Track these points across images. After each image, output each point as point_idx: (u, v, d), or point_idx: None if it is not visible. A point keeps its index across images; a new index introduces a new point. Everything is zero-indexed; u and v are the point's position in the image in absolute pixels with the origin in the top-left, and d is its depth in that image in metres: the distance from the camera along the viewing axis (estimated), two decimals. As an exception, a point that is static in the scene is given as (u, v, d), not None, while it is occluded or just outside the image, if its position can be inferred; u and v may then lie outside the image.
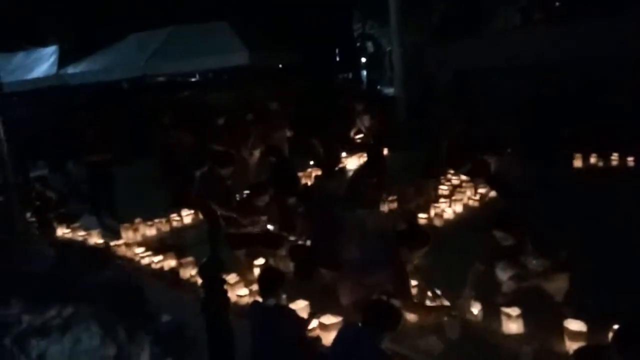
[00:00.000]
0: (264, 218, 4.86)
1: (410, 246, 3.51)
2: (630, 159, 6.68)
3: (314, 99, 10.95)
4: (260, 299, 3.23)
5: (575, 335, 2.95)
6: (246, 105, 8.56)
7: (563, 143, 7.36)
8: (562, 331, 3.05)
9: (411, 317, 3.49)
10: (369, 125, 7.59)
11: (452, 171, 6.96)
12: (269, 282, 3.07)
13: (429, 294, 3.65)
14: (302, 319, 3.23)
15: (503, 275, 3.49)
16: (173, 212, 6.34)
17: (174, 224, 6.24)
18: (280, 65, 12.91)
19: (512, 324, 3.28)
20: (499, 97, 9.58)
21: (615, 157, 6.86)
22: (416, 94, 10.72)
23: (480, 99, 10.09)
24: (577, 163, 7.01)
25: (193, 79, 14.02)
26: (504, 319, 3.33)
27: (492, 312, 3.43)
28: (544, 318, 3.28)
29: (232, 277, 4.12)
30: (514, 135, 7.28)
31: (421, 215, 5.54)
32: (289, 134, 8.14)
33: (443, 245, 4.84)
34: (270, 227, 4.96)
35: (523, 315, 3.27)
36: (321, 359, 3.00)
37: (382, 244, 3.75)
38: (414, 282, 3.76)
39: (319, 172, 7.49)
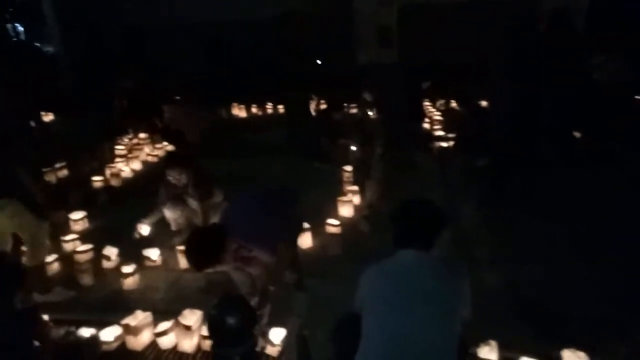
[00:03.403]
0: None
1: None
2: (280, 106, 8.09)
3: None
4: None
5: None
6: None
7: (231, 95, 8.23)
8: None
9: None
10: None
11: (128, 130, 6.78)
12: None
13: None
14: None
15: (170, 214, 3.73)
16: None
17: None
18: None
19: (186, 258, 3.61)
20: (171, 54, 9.70)
21: (269, 106, 8.22)
22: (79, 51, 9.67)
23: (151, 55, 9.95)
24: (241, 112, 8.00)
25: None
26: (179, 256, 3.62)
27: (170, 253, 3.69)
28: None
29: None
30: (184, 89, 7.64)
31: (96, 177, 5.25)
32: None
33: (120, 202, 4.84)
34: None
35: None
36: None
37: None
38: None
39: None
